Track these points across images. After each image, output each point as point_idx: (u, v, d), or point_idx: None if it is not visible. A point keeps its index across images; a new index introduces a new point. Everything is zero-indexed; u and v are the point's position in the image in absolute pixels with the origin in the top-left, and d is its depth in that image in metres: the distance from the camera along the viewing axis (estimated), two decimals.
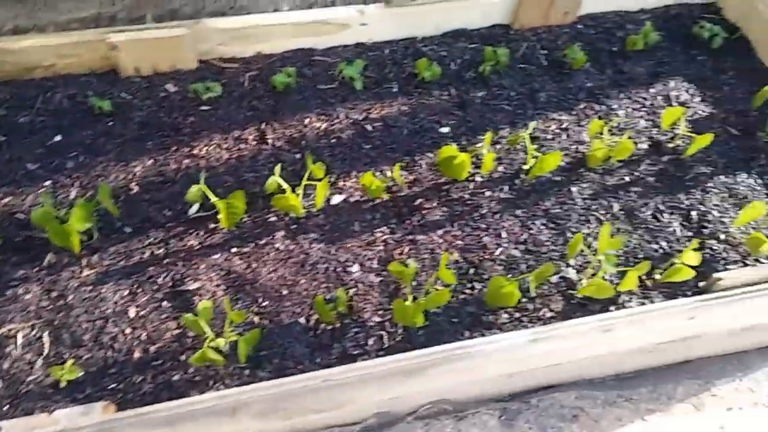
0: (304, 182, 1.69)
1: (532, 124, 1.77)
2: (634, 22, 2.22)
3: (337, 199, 1.77)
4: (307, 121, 1.92)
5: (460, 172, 1.71)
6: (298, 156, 1.84)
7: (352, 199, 1.77)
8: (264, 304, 1.55)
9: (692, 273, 1.55)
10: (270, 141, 1.87)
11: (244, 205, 1.58)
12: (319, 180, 1.68)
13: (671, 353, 1.76)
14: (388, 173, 1.81)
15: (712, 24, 2.18)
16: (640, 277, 1.66)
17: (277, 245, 1.66)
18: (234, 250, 1.64)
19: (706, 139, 1.79)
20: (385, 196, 1.78)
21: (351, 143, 1.89)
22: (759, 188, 1.84)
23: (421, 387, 1.43)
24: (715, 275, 1.53)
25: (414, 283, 1.61)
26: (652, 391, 1.79)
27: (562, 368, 1.63)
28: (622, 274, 1.58)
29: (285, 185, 1.64)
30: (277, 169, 1.65)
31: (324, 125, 1.92)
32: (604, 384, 1.81)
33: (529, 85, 2.05)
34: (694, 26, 2.20)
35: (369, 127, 1.92)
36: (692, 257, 1.57)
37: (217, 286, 1.57)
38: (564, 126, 1.96)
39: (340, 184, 1.80)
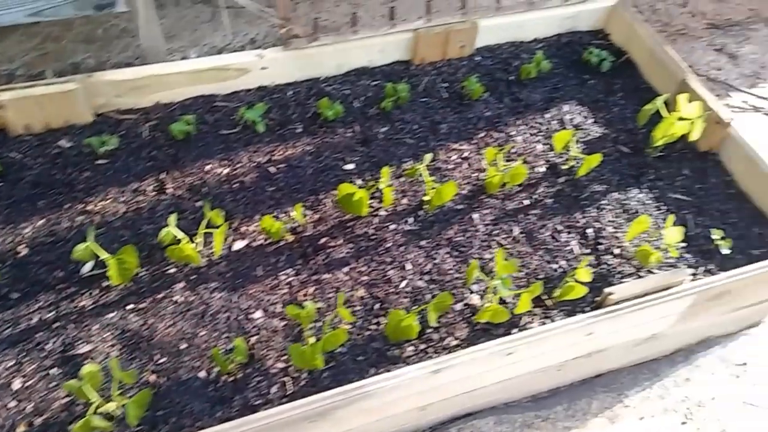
0: (202, 230, 1.67)
1: (427, 157, 1.82)
2: (528, 52, 2.32)
3: (239, 245, 1.76)
4: (208, 167, 1.91)
5: (360, 209, 1.73)
6: (199, 204, 1.82)
7: (255, 244, 1.76)
8: (161, 361, 1.50)
9: (585, 290, 1.60)
10: (170, 191, 1.84)
11: (136, 260, 1.55)
12: (218, 227, 1.67)
13: (582, 368, 1.80)
14: (293, 214, 1.81)
15: (600, 49, 2.30)
16: (540, 297, 1.70)
17: (175, 298, 1.63)
18: (130, 306, 1.59)
19: (595, 159, 1.87)
20: (290, 238, 1.78)
21: (254, 187, 1.88)
22: (649, 202, 1.93)
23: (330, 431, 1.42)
24: (606, 290, 1.58)
25: (319, 324, 1.60)
26: (567, 408, 1.82)
27: (475, 395, 1.65)
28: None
29: (180, 235, 1.62)
30: (172, 219, 1.63)
31: (226, 171, 1.91)
32: (521, 406, 1.83)
33: (431, 118, 2.11)
34: (584, 52, 2.32)
35: (272, 169, 1.93)
36: (584, 274, 1.62)
37: (112, 346, 1.51)
38: (465, 155, 2.01)
39: (243, 229, 1.79)
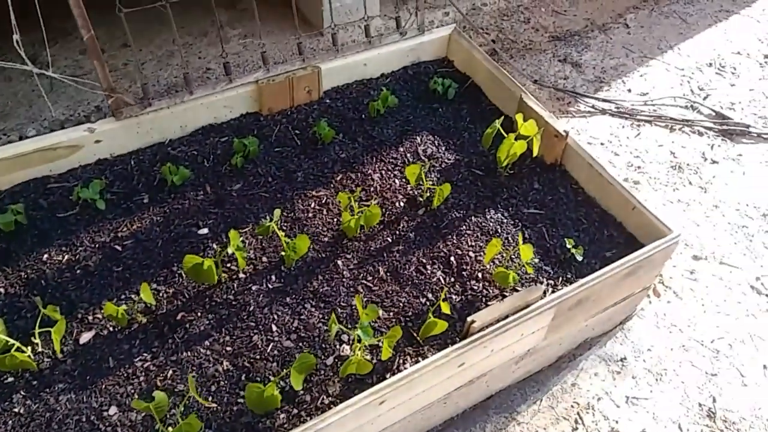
0: (38, 330, 1.53)
1: (277, 212, 1.77)
2: (377, 88, 2.35)
3: (86, 337, 1.62)
4: (45, 257, 1.76)
5: (212, 278, 1.64)
6: (38, 298, 1.67)
7: (104, 333, 1.63)
8: None
9: (445, 325, 1.60)
10: (1, 292, 1.68)
11: None
12: (55, 323, 1.53)
13: (471, 395, 1.80)
14: (141, 295, 1.69)
15: (444, 78, 2.37)
16: (412, 333, 1.69)
17: (16, 409, 1.46)
18: None
19: (446, 189, 1.90)
20: (143, 319, 1.67)
21: (100, 270, 1.75)
22: (506, 220, 1.98)
23: None
24: (469, 319, 1.59)
25: (181, 408, 1.49)
26: None
27: None
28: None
29: (11, 341, 1.46)
30: None
31: (66, 257, 1.77)
32: None
33: (285, 167, 2.07)
34: (430, 82, 2.38)
35: (118, 248, 1.81)
36: (444, 306, 1.62)
37: None
38: (323, 201, 1.98)
39: (90, 318, 1.65)
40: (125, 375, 1.55)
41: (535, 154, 2.00)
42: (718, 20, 3.48)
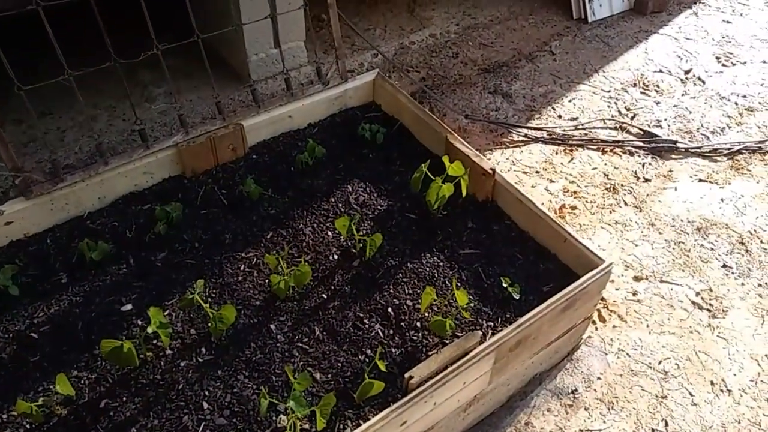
0: None
1: (200, 283, 1.70)
2: (304, 139, 2.32)
3: None
4: None
5: (133, 360, 1.55)
6: None
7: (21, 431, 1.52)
8: None
9: (382, 385, 1.53)
10: None
11: None
12: None
13: None
14: (57, 387, 1.58)
15: (371, 123, 2.36)
16: (351, 395, 1.62)
17: None
18: None
19: (378, 239, 1.87)
20: (63, 411, 1.56)
21: (14, 362, 1.63)
22: (442, 263, 1.95)
23: None
24: (406, 375, 1.54)
25: None
26: None
27: None
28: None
29: None
30: None
31: None
32: None
33: (213, 230, 2.00)
34: (358, 128, 2.37)
35: (35, 335, 1.69)
36: (380, 365, 1.57)
37: None
38: (254, 262, 1.92)
39: (4, 417, 1.53)
40: None
41: (464, 194, 1.99)
42: (638, 41, 3.61)
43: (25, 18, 1.73)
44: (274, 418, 1.57)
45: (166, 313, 1.75)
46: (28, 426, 1.52)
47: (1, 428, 1.51)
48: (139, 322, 1.75)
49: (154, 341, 1.70)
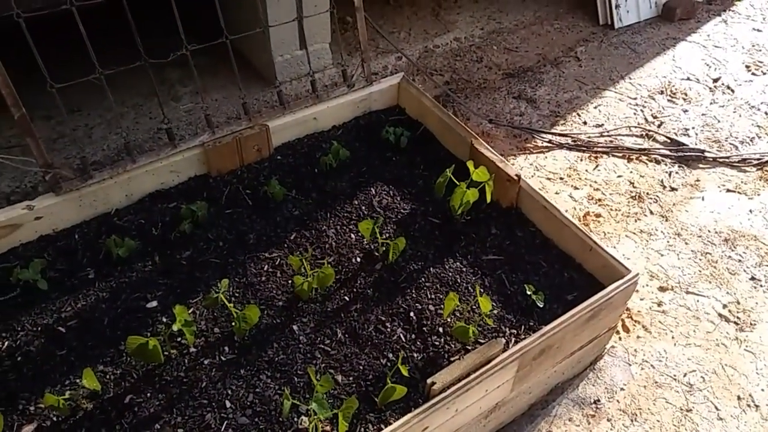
0: None
1: (224, 283, 1.71)
2: (328, 141, 2.33)
3: (28, 430, 1.51)
4: None
5: (158, 357, 1.57)
6: None
7: (47, 423, 1.53)
8: None
9: (404, 390, 1.53)
10: None
11: None
12: None
13: None
14: (84, 381, 1.60)
15: (396, 126, 2.36)
16: (374, 399, 1.62)
17: None
18: None
19: (401, 243, 1.86)
20: (88, 405, 1.58)
21: (42, 356, 1.66)
22: (465, 269, 1.94)
23: None
24: (429, 380, 1.53)
25: None
26: None
27: None
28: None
29: None
30: None
31: (6, 344, 1.67)
32: None
33: (237, 230, 2.01)
34: (382, 131, 2.37)
35: (62, 329, 1.72)
36: (403, 369, 1.56)
37: None
38: (277, 263, 1.93)
39: (32, 409, 1.56)
40: None
41: (488, 200, 1.98)
42: (666, 48, 3.56)
43: (49, 17, 1.76)
44: (295, 419, 1.57)
45: (190, 311, 1.77)
46: (54, 418, 1.54)
47: (29, 419, 1.54)
48: (164, 319, 1.76)
49: (178, 339, 1.72)
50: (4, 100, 1.72)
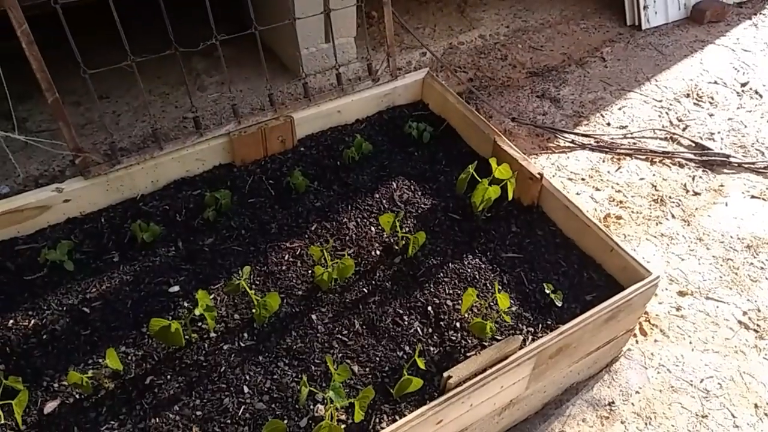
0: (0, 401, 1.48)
1: (246, 270, 1.73)
2: (351, 134, 2.34)
3: (51, 406, 1.56)
4: (11, 322, 1.71)
5: (179, 340, 1.60)
6: (2, 368, 1.62)
7: (70, 401, 1.57)
8: None
9: (421, 382, 1.55)
10: None
11: None
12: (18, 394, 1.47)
13: None
14: (107, 360, 1.63)
15: (419, 121, 2.37)
16: (390, 390, 1.64)
17: None
18: None
19: (421, 237, 1.88)
20: (110, 385, 1.61)
21: (67, 334, 1.70)
22: (484, 265, 1.95)
23: None
24: (445, 374, 1.54)
25: None
26: None
27: None
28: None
29: None
30: None
31: (33, 322, 1.72)
32: None
33: (259, 219, 2.04)
34: (405, 126, 2.38)
35: (87, 310, 1.76)
36: (420, 362, 1.57)
37: None
38: (298, 252, 1.95)
39: (55, 386, 1.60)
40: None
41: (510, 198, 1.98)
42: (694, 51, 3.51)
43: (75, 6, 1.79)
44: (311, 406, 1.60)
45: (211, 297, 1.80)
46: (77, 396, 1.58)
47: (52, 396, 1.58)
48: (185, 304, 1.80)
49: (199, 323, 1.75)
50: (38, 85, 1.76)
